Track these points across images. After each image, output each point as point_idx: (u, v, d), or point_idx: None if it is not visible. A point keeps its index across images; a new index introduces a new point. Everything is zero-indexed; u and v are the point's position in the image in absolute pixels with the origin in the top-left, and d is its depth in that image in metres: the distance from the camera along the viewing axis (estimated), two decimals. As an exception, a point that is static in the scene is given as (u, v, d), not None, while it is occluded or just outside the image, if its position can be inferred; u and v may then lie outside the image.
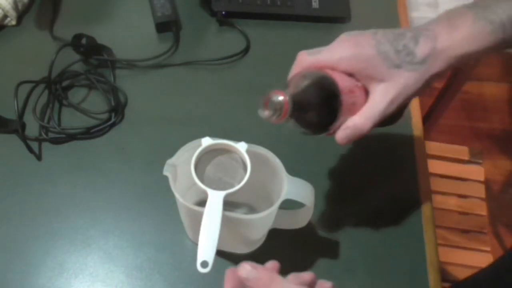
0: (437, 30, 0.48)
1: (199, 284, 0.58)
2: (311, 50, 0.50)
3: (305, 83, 0.47)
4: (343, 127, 0.49)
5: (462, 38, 0.47)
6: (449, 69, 0.49)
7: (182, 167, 0.51)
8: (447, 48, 0.47)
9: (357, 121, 0.49)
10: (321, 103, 0.47)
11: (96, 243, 0.60)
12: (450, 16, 0.49)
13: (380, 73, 0.48)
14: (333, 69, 0.48)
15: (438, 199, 1.16)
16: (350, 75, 0.49)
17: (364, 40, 0.48)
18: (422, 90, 0.49)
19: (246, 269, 0.40)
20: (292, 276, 0.41)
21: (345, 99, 0.47)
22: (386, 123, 0.51)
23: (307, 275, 0.42)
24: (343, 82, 0.47)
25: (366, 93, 0.49)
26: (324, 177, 0.67)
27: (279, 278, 0.39)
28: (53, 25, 0.79)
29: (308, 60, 0.49)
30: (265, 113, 0.46)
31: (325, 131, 0.49)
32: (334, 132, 0.50)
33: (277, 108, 0.45)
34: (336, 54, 0.48)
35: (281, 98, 0.44)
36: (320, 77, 0.47)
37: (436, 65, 0.48)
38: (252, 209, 0.62)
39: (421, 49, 0.47)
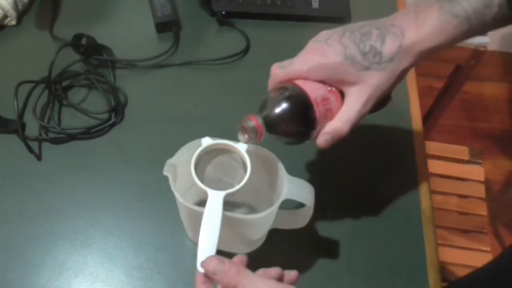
0: (404, 26, 0.48)
1: (199, 284, 0.58)
2: (283, 62, 0.51)
3: (276, 101, 0.48)
4: (322, 133, 0.50)
5: (428, 33, 0.48)
6: (418, 62, 0.50)
7: (182, 167, 0.51)
8: (414, 43, 0.48)
9: (334, 126, 0.50)
10: (295, 118, 0.49)
11: (96, 243, 0.60)
12: (417, 10, 0.49)
13: (351, 77, 0.49)
14: (305, 79, 0.50)
15: (438, 199, 1.16)
16: (324, 81, 0.50)
17: (330, 48, 0.49)
18: (395, 84, 0.50)
19: (212, 263, 0.41)
20: (261, 271, 0.43)
21: (319, 109, 0.49)
22: (375, 109, 0.52)
23: (274, 270, 0.43)
24: (315, 92, 0.49)
25: (342, 95, 0.51)
26: (324, 177, 0.67)
27: (246, 270, 0.40)
28: (53, 25, 0.79)
29: (281, 73, 0.50)
30: (244, 137, 0.49)
31: (306, 140, 0.51)
32: (316, 138, 0.51)
33: (252, 132, 0.48)
34: (305, 66, 0.50)
35: (253, 123, 0.47)
36: (291, 93, 0.49)
37: (405, 61, 0.49)
38: (252, 209, 0.62)
39: (388, 48, 0.48)
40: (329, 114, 0.50)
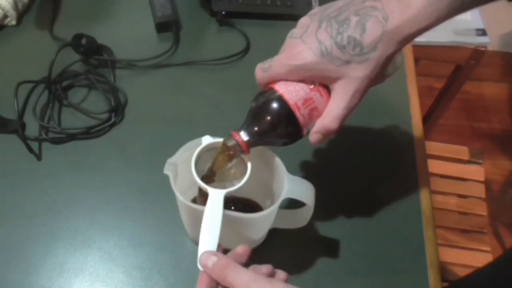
0: (388, 9, 0.44)
1: (199, 284, 0.58)
2: (264, 64, 0.49)
3: (255, 113, 0.48)
4: (312, 132, 0.49)
5: (416, 15, 0.43)
6: (403, 47, 0.46)
7: (182, 166, 0.51)
8: (398, 28, 0.44)
9: (322, 125, 0.48)
10: (276, 128, 0.48)
11: (96, 243, 0.60)
12: None
13: (332, 73, 0.46)
14: (286, 80, 0.48)
15: (438, 199, 1.16)
16: (305, 80, 0.48)
17: (306, 46, 0.46)
18: (383, 71, 0.47)
19: (204, 256, 0.42)
20: (252, 267, 0.43)
21: (301, 112, 0.47)
22: (381, 79, 0.50)
23: (265, 267, 0.43)
24: (296, 95, 0.47)
25: (328, 89, 0.48)
26: (325, 176, 0.67)
27: (235, 264, 0.41)
28: (53, 25, 0.79)
29: (264, 77, 0.49)
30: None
31: (297, 140, 0.50)
32: (308, 134, 0.50)
33: (237, 150, 0.48)
34: (282, 69, 0.47)
35: (233, 142, 0.47)
36: (270, 102, 0.48)
37: (389, 48, 0.45)
38: (253, 204, 0.61)
39: (369, 37, 0.44)
40: (316, 113, 0.48)
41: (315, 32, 0.46)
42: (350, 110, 0.48)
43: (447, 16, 0.44)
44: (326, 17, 0.47)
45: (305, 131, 0.49)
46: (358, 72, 0.46)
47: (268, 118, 0.47)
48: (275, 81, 0.49)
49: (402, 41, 0.45)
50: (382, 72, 0.47)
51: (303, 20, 0.49)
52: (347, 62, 0.45)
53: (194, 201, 0.56)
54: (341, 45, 0.45)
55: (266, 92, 0.49)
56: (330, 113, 0.48)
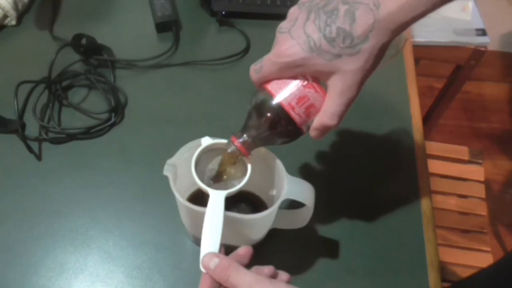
0: None
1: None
2: (256, 65, 0.48)
3: (251, 118, 0.48)
4: (312, 129, 0.48)
5: (409, 2, 0.40)
6: (397, 35, 0.43)
7: (182, 167, 0.51)
8: (391, 15, 0.41)
9: (321, 122, 0.47)
10: (273, 131, 0.47)
11: (96, 243, 0.60)
12: None
13: (324, 68, 0.44)
14: (280, 79, 0.47)
15: (438, 199, 1.16)
16: (298, 76, 0.47)
17: (294, 41, 0.44)
18: (378, 61, 0.44)
19: (206, 257, 0.42)
20: (254, 268, 0.43)
21: (296, 112, 0.46)
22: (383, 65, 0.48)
23: (267, 269, 0.43)
24: (289, 95, 0.46)
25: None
26: (324, 177, 0.67)
27: (237, 265, 0.41)
28: (53, 25, 0.79)
29: (257, 78, 0.48)
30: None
31: (298, 137, 0.49)
32: (308, 130, 0.49)
33: (237, 154, 0.48)
34: (273, 68, 0.46)
35: (233, 147, 0.48)
36: (263, 105, 0.47)
37: (381, 38, 0.42)
38: (254, 198, 0.61)
39: (360, 27, 0.41)
40: (313, 110, 0.47)
41: (303, 25, 0.44)
42: (348, 105, 0.46)
43: (443, 1, 0.41)
44: (315, 7, 0.44)
45: (304, 129, 0.48)
46: (351, 65, 0.43)
47: (264, 120, 0.47)
48: (269, 80, 0.47)
49: (396, 30, 0.42)
50: (378, 62, 0.45)
51: (292, 11, 0.47)
52: (338, 56, 0.43)
53: (193, 197, 0.56)
54: (330, 38, 0.43)
55: (261, 94, 0.48)
56: (327, 110, 0.46)
